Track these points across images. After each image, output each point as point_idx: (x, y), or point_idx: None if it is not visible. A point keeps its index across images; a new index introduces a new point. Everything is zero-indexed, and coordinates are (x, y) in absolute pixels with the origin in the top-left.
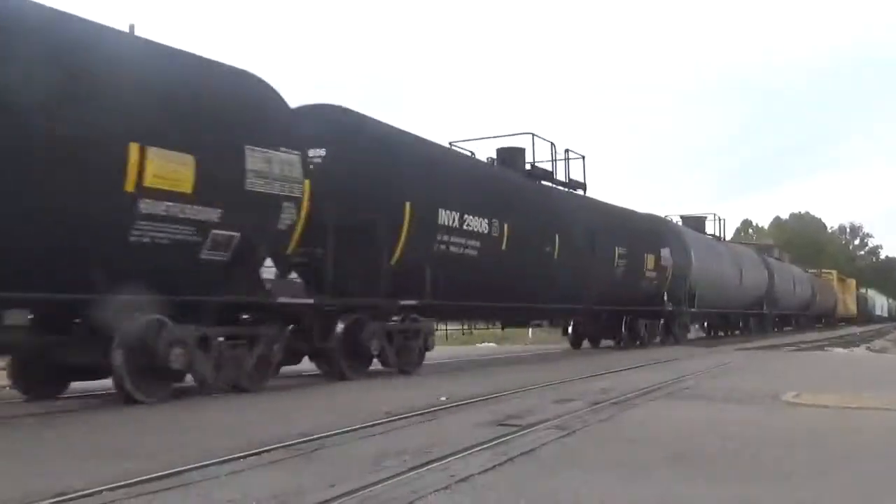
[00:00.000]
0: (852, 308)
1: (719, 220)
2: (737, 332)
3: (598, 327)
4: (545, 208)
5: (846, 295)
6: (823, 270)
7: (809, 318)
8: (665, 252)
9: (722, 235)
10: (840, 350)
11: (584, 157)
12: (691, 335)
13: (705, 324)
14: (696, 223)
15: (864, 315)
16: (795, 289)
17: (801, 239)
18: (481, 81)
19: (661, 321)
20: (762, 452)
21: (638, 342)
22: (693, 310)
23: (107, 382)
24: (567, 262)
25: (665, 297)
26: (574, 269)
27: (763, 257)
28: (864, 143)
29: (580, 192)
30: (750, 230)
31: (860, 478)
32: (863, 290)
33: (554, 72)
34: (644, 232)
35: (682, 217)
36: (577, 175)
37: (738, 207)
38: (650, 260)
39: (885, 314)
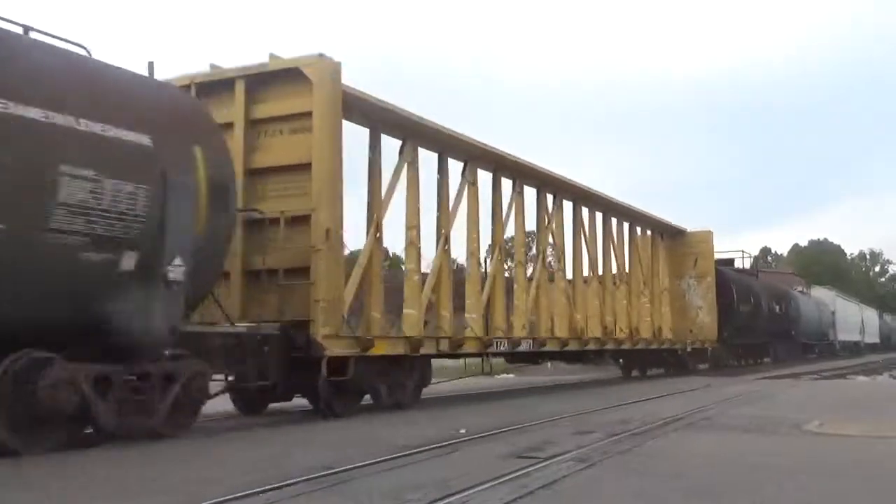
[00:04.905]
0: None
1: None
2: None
3: None
4: None
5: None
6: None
7: None
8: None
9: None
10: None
11: None
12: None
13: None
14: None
15: (783, 341)
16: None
17: (821, 266)
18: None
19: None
20: (785, 484)
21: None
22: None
23: None
24: None
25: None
26: None
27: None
28: (884, 169)
29: None
30: (769, 258)
31: None
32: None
33: (567, 92)
34: None
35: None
36: None
37: (757, 236)
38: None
39: (876, 339)
